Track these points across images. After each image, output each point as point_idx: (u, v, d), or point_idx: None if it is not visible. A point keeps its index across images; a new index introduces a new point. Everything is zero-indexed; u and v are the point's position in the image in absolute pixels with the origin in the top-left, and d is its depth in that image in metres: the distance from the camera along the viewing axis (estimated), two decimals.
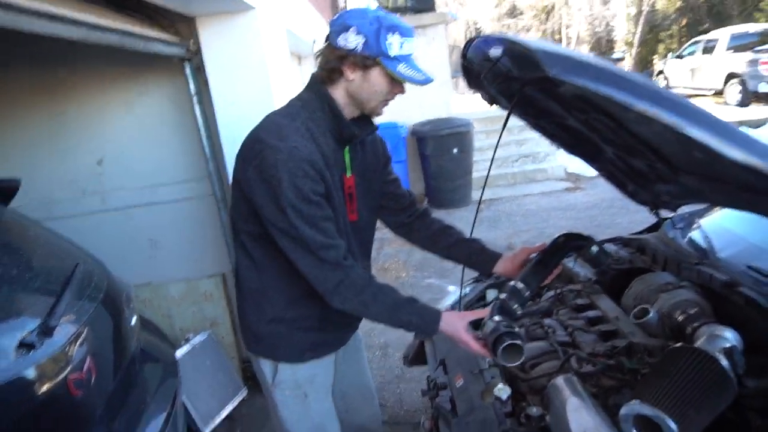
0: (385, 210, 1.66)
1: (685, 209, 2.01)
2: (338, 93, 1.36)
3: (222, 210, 2.93)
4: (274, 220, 1.28)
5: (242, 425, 2.86)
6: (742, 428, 1.21)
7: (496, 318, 1.28)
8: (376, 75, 1.32)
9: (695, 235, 1.84)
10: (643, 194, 1.97)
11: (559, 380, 1.19)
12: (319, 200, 1.29)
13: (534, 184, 7.64)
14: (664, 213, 2.05)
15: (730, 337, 1.21)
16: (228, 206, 2.91)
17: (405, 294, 1.38)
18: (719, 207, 1.89)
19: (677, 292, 1.48)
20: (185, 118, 2.88)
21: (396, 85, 1.35)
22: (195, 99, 2.74)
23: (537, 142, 8.45)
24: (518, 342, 1.20)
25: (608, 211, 5.93)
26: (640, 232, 2.16)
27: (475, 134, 7.17)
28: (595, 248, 1.48)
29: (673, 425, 0.98)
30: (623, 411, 1.05)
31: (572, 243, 1.48)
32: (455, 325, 1.34)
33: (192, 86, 2.72)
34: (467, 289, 2.12)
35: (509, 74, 1.27)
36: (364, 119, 1.44)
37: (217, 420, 2.81)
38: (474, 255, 1.62)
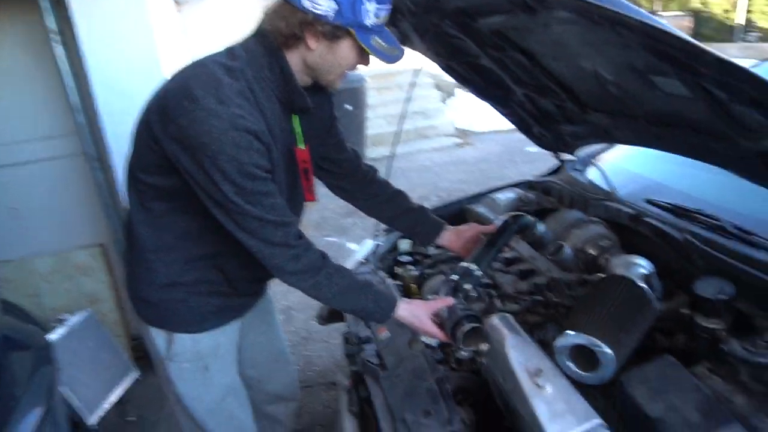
0: (324, 172, 1.51)
1: (582, 152, 2.11)
2: (293, 59, 1.16)
3: (97, 170, 2.55)
4: (207, 189, 1.09)
5: (138, 408, 2.61)
6: (649, 348, 1.29)
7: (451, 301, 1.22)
8: (344, 47, 1.13)
9: (595, 175, 1.92)
10: (548, 137, 2.02)
11: (495, 319, 1.17)
12: (264, 176, 1.11)
13: (426, 140, 7.78)
14: (565, 156, 2.14)
15: (644, 264, 1.26)
16: (104, 165, 2.56)
17: (361, 278, 1.28)
18: (621, 145, 1.98)
19: (588, 227, 1.54)
20: (44, 62, 2.43)
21: (363, 56, 1.17)
22: (55, 39, 2.31)
23: (427, 98, 8.57)
24: (479, 325, 1.15)
25: (497, 164, 6.23)
26: (544, 176, 2.22)
27: (367, 91, 7.06)
28: (541, 228, 1.54)
29: (609, 350, 0.99)
30: (559, 343, 1.05)
31: (519, 223, 1.51)
32: (419, 315, 1.23)
33: (50, 23, 2.28)
34: (380, 240, 2.06)
35: (432, 1, 1.19)
36: (317, 87, 1.26)
37: (105, 406, 2.53)
38: (419, 225, 1.56)
